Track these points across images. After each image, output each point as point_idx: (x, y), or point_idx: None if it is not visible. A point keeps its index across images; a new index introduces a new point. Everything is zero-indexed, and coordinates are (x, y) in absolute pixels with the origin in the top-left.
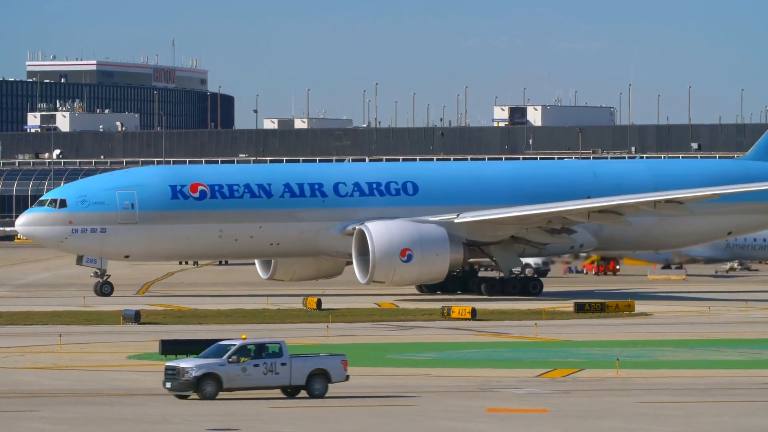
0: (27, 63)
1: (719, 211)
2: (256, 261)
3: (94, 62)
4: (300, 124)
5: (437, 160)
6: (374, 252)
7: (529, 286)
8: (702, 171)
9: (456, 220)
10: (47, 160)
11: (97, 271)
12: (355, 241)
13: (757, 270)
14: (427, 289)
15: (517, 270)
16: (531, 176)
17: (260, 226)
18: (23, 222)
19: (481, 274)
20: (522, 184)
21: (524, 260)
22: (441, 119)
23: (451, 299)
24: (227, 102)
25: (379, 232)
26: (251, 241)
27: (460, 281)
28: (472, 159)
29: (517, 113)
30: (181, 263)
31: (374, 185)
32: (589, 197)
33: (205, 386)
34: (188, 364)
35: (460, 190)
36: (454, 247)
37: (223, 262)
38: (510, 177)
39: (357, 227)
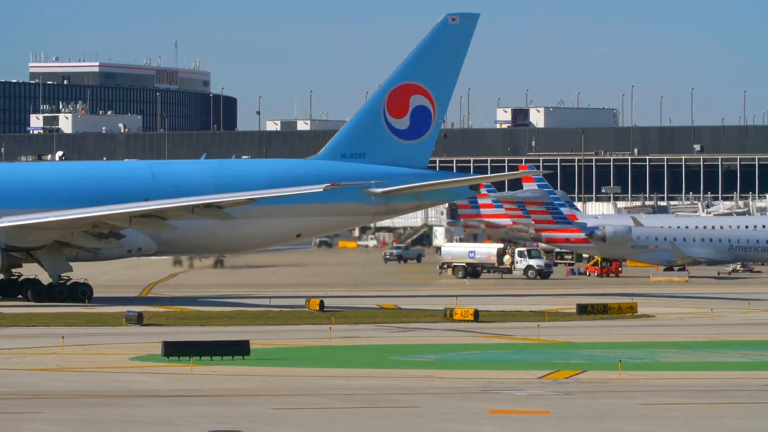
0: (30, 64)
1: (288, 213)
2: None
3: (97, 64)
4: (303, 125)
5: (440, 162)
6: None
7: (78, 292)
8: (267, 172)
9: None
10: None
11: None
12: None
13: (759, 272)
14: None
15: (66, 276)
16: (82, 177)
17: None
18: None
19: None
20: (73, 186)
21: (527, 262)
22: (443, 121)
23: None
24: (230, 103)
25: None
26: None
27: (18, 285)
28: (474, 161)
29: (520, 115)
30: (175, 265)
31: None
32: (146, 199)
33: None
34: None
35: (7, 192)
36: None
37: (220, 265)
38: (60, 179)
39: None
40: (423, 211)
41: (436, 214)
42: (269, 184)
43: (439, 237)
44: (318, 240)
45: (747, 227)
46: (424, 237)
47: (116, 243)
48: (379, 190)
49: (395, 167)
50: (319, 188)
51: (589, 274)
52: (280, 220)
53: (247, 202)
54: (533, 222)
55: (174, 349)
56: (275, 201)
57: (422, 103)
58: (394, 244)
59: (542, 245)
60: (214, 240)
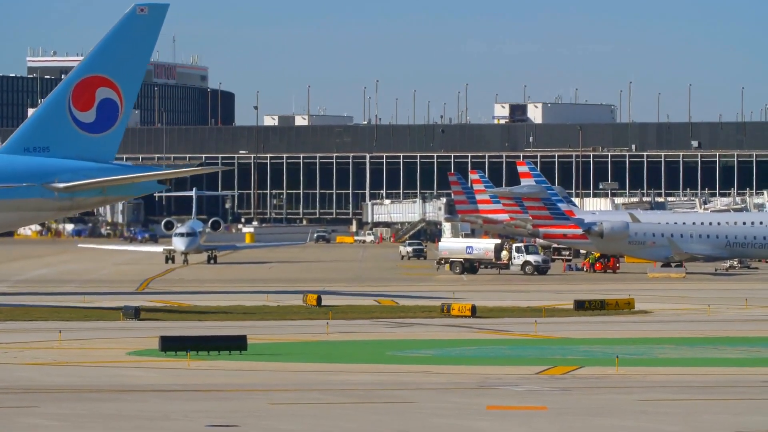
0: (27, 59)
1: None
2: None
3: None
4: (300, 120)
5: (437, 157)
6: None
7: None
8: None
9: None
10: None
11: None
12: None
13: (756, 268)
14: None
15: None
16: None
17: None
18: None
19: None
20: None
21: (525, 257)
22: (441, 116)
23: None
24: (228, 98)
25: None
26: None
27: None
28: (472, 156)
29: (518, 111)
30: (168, 261)
31: None
32: None
33: None
34: None
35: None
36: None
37: (213, 261)
38: None
39: None
40: (421, 206)
41: (434, 210)
42: None
43: (447, 232)
44: (315, 235)
45: (744, 223)
46: (422, 232)
47: None
48: (62, 185)
49: (81, 161)
50: None
51: (586, 270)
52: None
53: None
54: (531, 218)
55: (171, 344)
56: None
57: (109, 95)
58: (408, 241)
59: (540, 241)
60: None
